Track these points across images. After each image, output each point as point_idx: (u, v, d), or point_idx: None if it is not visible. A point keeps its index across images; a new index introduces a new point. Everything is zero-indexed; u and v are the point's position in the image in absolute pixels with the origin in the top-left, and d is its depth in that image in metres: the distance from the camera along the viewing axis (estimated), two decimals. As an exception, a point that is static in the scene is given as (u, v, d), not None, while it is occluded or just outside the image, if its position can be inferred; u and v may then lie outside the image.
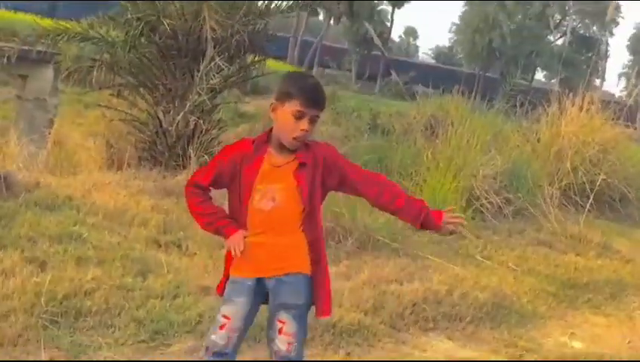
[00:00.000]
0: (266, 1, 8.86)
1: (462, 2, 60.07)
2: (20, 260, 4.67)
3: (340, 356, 4.40)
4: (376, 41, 30.54)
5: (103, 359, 3.82)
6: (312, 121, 2.91)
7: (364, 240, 6.57)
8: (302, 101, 2.90)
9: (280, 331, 2.98)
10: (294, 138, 2.91)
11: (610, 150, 11.58)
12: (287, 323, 2.98)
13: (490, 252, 7.38)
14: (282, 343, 2.98)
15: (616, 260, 8.23)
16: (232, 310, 2.99)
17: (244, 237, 2.92)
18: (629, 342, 5.64)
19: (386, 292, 5.38)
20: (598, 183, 10.27)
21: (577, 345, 5.43)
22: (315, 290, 3.01)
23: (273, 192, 2.94)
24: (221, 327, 3.00)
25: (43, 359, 3.68)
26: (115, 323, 4.17)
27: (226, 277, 3.09)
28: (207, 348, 3.04)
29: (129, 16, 8.13)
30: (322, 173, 3.02)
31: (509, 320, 5.59)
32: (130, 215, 6.26)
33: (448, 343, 4.97)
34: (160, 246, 5.69)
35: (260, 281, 2.99)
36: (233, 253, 2.91)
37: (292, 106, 2.90)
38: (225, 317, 3.00)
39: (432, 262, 6.51)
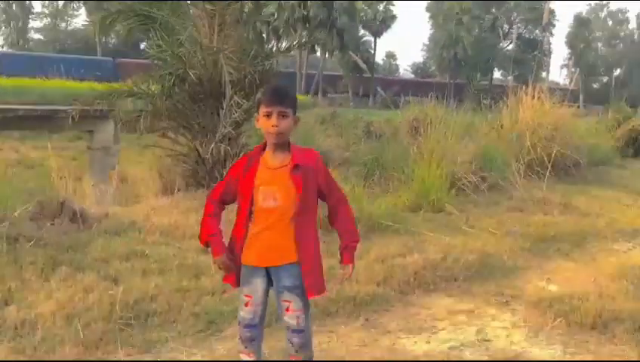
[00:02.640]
0: (272, 46, 8.79)
1: (429, 25, 59.80)
2: (96, 278, 4.59)
3: (360, 322, 4.30)
4: (362, 65, 30.49)
5: (169, 350, 3.74)
6: (280, 116, 2.80)
7: (371, 225, 6.45)
8: (265, 102, 2.83)
9: (287, 309, 2.91)
10: (270, 134, 2.82)
11: (561, 127, 11.43)
12: (292, 302, 2.90)
13: (473, 221, 7.27)
14: (291, 319, 2.91)
15: (576, 215, 8.11)
16: (252, 289, 2.93)
17: (226, 253, 2.96)
18: (594, 280, 5.50)
19: (392, 266, 5.28)
20: (553, 155, 10.13)
21: (553, 287, 5.30)
22: (305, 275, 2.89)
23: (274, 192, 2.84)
24: (246, 304, 2.95)
25: (121, 356, 3.60)
26: (177, 319, 4.10)
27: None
28: (239, 323, 3.00)
29: (163, 72, 8.06)
30: (315, 174, 2.91)
31: (494, 275, 5.51)
32: (182, 230, 6.17)
33: (448, 300, 4.87)
34: (207, 252, 5.58)
35: (265, 269, 2.92)
36: (223, 269, 3.02)
37: (261, 110, 2.85)
38: (247, 296, 2.95)
39: (427, 237, 6.39)
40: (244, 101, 7.79)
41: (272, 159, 2.88)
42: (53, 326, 3.81)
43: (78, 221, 6.12)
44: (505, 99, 12.30)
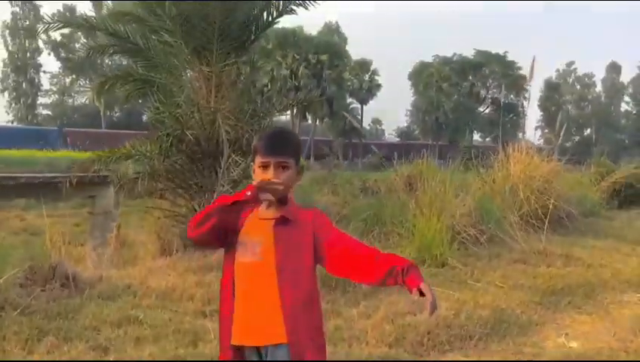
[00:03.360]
0: (267, 105, 8.42)
1: (411, 92, 60.51)
2: (84, 349, 3.98)
3: (376, 390, 3.67)
4: (356, 125, 30.22)
5: None
6: (278, 167, 2.19)
7: (375, 282, 5.86)
8: (261, 152, 2.21)
9: None
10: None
11: (552, 180, 10.98)
12: None
13: (478, 275, 6.69)
14: None
15: (580, 266, 7.55)
16: None
17: None
18: (614, 335, 4.91)
19: (403, 325, 4.67)
20: (550, 207, 9.66)
21: (573, 344, 4.70)
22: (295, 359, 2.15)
23: (254, 246, 2.19)
24: None
25: None
26: (172, 394, 3.46)
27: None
28: None
29: (160, 133, 7.60)
30: (312, 233, 2.23)
31: (510, 332, 4.89)
32: (179, 292, 5.56)
33: (464, 360, 4.24)
34: (205, 315, 4.97)
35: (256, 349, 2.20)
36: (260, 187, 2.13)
37: (257, 160, 2.23)
38: None
39: (435, 292, 5.78)
40: (242, 160, 7.32)
41: (264, 211, 2.25)
42: (32, 407, 3.18)
43: (70, 286, 5.49)
44: (491, 157, 11.91)
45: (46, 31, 8.39)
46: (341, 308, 5.16)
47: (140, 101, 9.34)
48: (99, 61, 37.33)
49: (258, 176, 2.21)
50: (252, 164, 2.30)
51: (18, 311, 4.59)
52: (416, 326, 4.64)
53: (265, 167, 2.20)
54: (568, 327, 5.13)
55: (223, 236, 2.24)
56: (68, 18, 7.94)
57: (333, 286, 5.60)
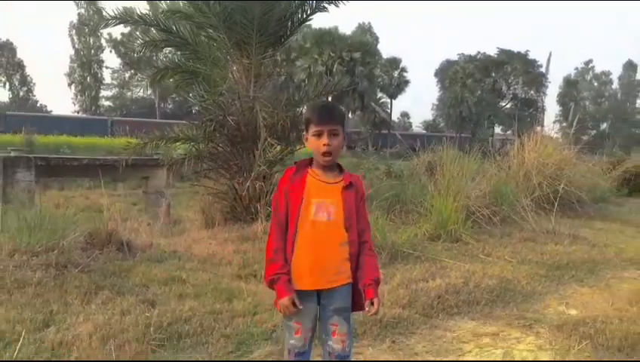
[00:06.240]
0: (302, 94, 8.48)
1: (437, 88, 59.78)
2: (134, 302, 4.15)
3: (387, 344, 3.74)
4: (382, 114, 29.88)
5: (199, 371, 3.24)
6: (331, 134, 2.31)
7: (393, 253, 5.93)
8: (315, 122, 2.34)
9: (334, 333, 2.37)
10: (322, 154, 2.32)
11: (564, 167, 10.80)
12: (339, 325, 2.37)
13: (489, 250, 6.67)
14: (337, 343, 2.37)
15: (585, 245, 7.46)
16: (301, 318, 2.36)
17: (292, 296, 2.31)
18: (612, 305, 4.88)
19: (416, 290, 4.73)
20: (560, 192, 9.52)
21: (572, 311, 4.68)
22: (354, 293, 2.40)
23: (327, 206, 2.33)
24: (296, 332, 2.38)
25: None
26: (209, 341, 3.59)
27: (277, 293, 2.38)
28: (289, 351, 2.42)
29: (204, 119, 7.76)
30: (360, 196, 2.43)
31: (515, 299, 4.89)
32: (218, 258, 5.73)
33: (471, 323, 4.27)
34: (241, 278, 5.12)
35: (317, 291, 2.37)
36: (284, 313, 2.35)
37: (311, 129, 2.35)
38: (297, 323, 2.37)
39: (447, 263, 5.82)
40: (277, 143, 7.42)
41: (322, 174, 2.38)
42: (88, 347, 3.35)
43: (124, 250, 5.71)
44: (508, 146, 11.77)
45: (106, 26, 8.60)
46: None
47: (188, 93, 9.49)
48: (154, 57, 37.81)
49: (312, 143, 2.35)
50: (304, 133, 2.42)
51: (78, 269, 4.80)
52: (427, 291, 4.70)
53: (319, 135, 2.32)
54: (569, 297, 5.10)
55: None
56: (125, 15, 8.12)
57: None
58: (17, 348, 3.31)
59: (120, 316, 3.83)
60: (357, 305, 2.42)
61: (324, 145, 2.31)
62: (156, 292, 4.48)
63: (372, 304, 2.33)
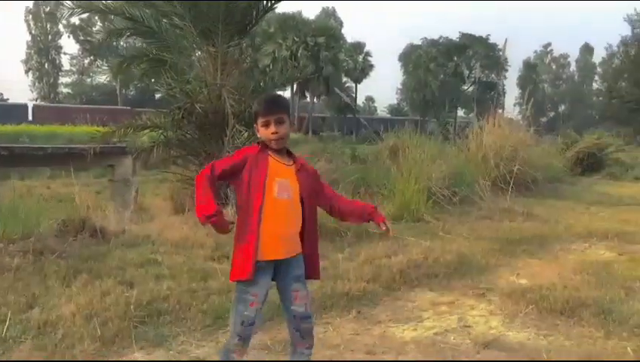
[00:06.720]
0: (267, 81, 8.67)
1: (401, 72, 60.36)
2: (113, 283, 4.35)
3: (353, 314, 4.07)
4: (346, 99, 30.17)
5: (180, 343, 3.50)
6: (278, 122, 2.56)
7: (359, 233, 6.27)
8: (261, 112, 2.59)
9: (296, 298, 2.63)
10: (272, 141, 2.57)
11: (519, 149, 11.31)
12: (300, 290, 2.64)
13: (449, 228, 7.09)
14: (300, 306, 2.63)
15: (538, 222, 7.96)
16: (258, 289, 2.57)
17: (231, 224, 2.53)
18: (558, 274, 5.32)
19: (380, 266, 5.08)
20: (514, 172, 10.02)
21: (523, 281, 5.10)
22: (308, 263, 2.69)
23: (287, 186, 2.57)
24: (251, 304, 2.56)
25: (135, 350, 3.36)
26: (187, 316, 3.85)
27: (239, 265, 2.58)
28: (242, 322, 2.57)
29: (172, 106, 7.89)
30: (315, 181, 2.72)
31: (470, 272, 5.30)
32: (191, 241, 5.94)
33: (430, 294, 4.65)
34: (214, 259, 5.36)
35: (274, 262, 2.60)
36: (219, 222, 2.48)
37: (260, 120, 2.60)
38: (253, 295, 2.56)
39: (409, 241, 6.19)
40: (245, 129, 7.62)
41: (279, 158, 2.62)
42: (73, 325, 3.56)
43: (98, 236, 5.89)
44: (468, 129, 12.23)
45: (70, 16, 8.61)
46: (329, 253, 5.54)
47: (153, 80, 9.55)
48: (114, 43, 37.09)
49: (262, 132, 2.59)
50: (255, 125, 2.66)
51: (55, 254, 4.98)
52: (390, 266, 5.05)
53: (266, 124, 2.57)
54: (520, 269, 5.52)
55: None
56: (88, 4, 8.12)
57: (324, 235, 5.98)
58: (5, 328, 3.50)
59: (101, 296, 4.04)
60: (314, 273, 2.74)
61: (272, 133, 2.56)
62: (133, 274, 4.69)
63: (385, 224, 2.75)
